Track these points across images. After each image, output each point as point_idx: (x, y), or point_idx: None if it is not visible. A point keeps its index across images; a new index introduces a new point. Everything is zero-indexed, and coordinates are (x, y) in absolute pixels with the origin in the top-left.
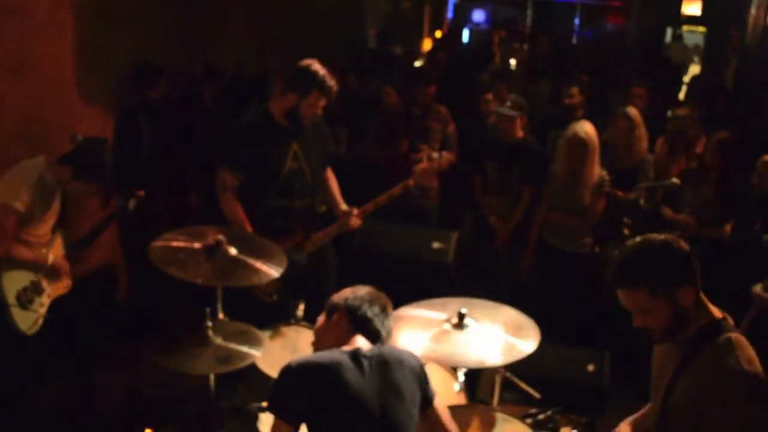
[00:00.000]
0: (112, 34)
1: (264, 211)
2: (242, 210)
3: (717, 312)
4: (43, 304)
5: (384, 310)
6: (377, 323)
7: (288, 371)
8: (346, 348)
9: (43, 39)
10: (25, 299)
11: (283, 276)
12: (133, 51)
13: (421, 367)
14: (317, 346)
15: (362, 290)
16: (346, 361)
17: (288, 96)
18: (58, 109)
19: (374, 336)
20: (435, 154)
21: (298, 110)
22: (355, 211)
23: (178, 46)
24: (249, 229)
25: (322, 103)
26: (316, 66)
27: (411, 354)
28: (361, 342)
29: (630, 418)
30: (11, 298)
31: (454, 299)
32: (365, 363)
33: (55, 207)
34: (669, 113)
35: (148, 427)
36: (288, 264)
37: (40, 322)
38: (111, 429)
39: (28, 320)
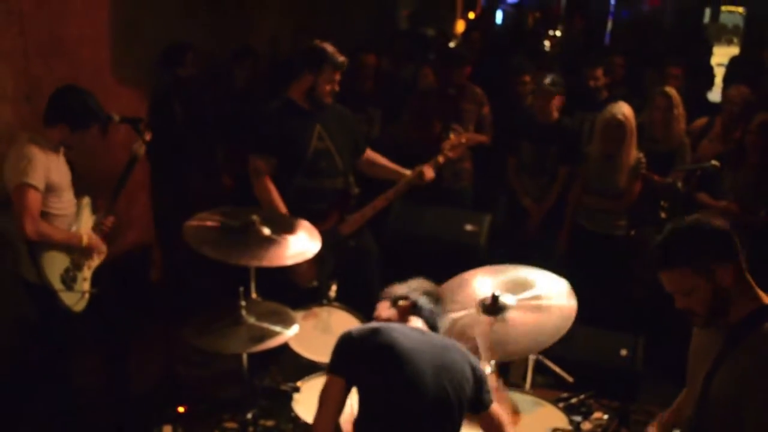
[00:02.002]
0: (147, 15)
1: (293, 192)
2: (277, 193)
3: (765, 297)
4: (86, 278)
5: (443, 310)
6: (437, 318)
7: (347, 333)
8: (410, 324)
9: (79, 21)
10: (69, 280)
11: (321, 260)
12: (168, 33)
13: (478, 370)
14: None
15: (424, 284)
16: (408, 332)
17: (304, 77)
18: (94, 91)
19: (431, 327)
20: (462, 129)
21: (316, 89)
22: (409, 172)
23: (212, 28)
24: (285, 211)
25: (337, 77)
26: (324, 44)
27: (470, 355)
28: (420, 325)
29: (665, 414)
30: (57, 284)
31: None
32: (425, 336)
33: (65, 169)
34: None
35: (182, 406)
36: (326, 247)
37: (87, 296)
38: (145, 407)
39: (75, 298)
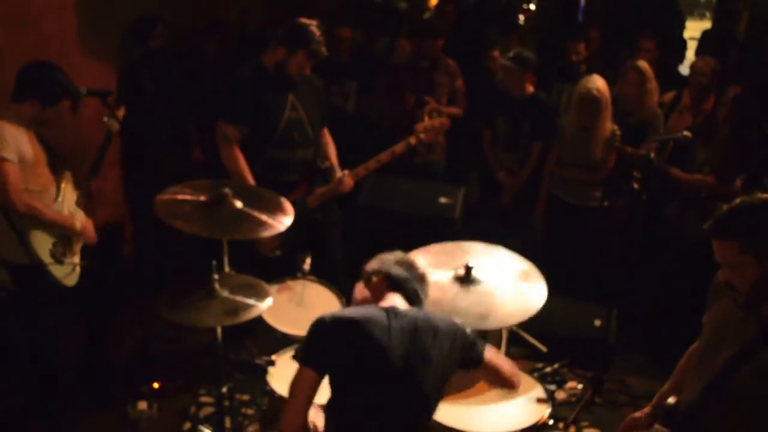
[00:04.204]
0: None
1: (265, 163)
2: (245, 163)
3: None
4: (75, 252)
5: (420, 274)
6: (415, 284)
7: (320, 321)
8: (383, 304)
9: None
10: (59, 254)
11: (286, 231)
12: (136, 4)
13: (460, 332)
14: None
15: (396, 254)
16: (378, 316)
17: (278, 49)
18: (60, 64)
19: (412, 296)
20: (435, 111)
21: (285, 65)
22: (340, 174)
23: (181, 0)
24: (252, 182)
25: (309, 63)
26: (312, 27)
27: (448, 320)
28: (397, 301)
29: (663, 388)
30: (46, 258)
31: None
32: (397, 321)
33: (37, 147)
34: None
35: (156, 381)
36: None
37: (78, 270)
38: (119, 383)
39: (66, 271)
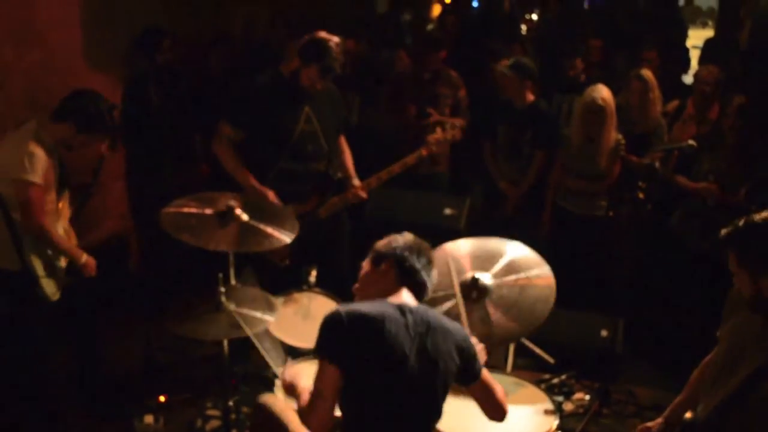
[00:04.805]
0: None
1: (277, 174)
2: (238, 158)
3: None
4: (62, 267)
5: (429, 261)
6: (424, 275)
7: (335, 316)
8: (393, 301)
9: (50, 5)
10: (51, 267)
11: (296, 240)
12: (142, 17)
13: (467, 342)
14: (361, 293)
15: (407, 238)
16: (392, 314)
17: (294, 59)
18: (66, 77)
19: (420, 288)
20: (448, 124)
21: (299, 75)
22: (357, 183)
23: (187, 13)
24: (248, 176)
25: (321, 78)
26: (330, 43)
27: (457, 326)
28: (406, 297)
29: (678, 398)
30: (41, 271)
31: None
32: (410, 319)
33: (55, 169)
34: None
35: (162, 394)
36: (301, 229)
37: (61, 285)
38: (125, 396)
39: (52, 286)
